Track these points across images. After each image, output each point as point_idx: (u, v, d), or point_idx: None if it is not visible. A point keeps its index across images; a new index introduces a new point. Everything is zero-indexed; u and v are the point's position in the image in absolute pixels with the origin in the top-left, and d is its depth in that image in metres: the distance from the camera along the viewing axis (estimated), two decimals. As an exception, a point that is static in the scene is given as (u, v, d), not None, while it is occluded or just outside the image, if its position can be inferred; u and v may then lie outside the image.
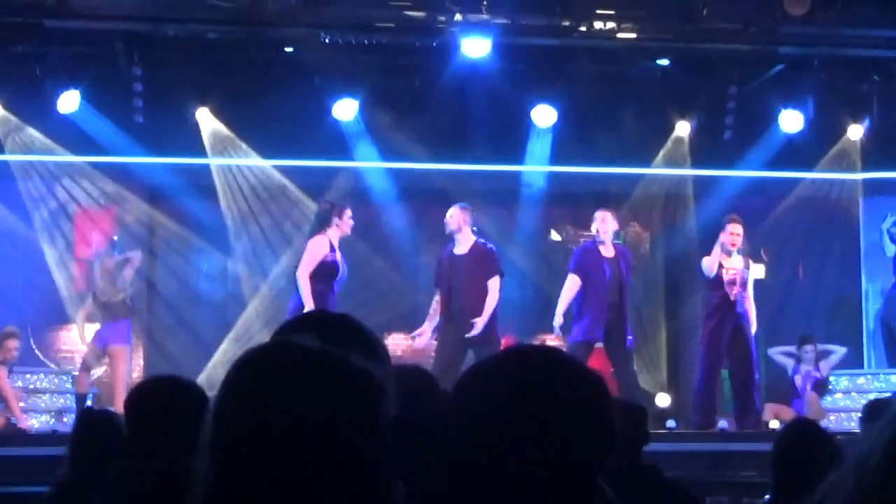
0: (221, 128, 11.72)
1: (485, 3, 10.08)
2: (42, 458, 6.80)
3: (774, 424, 9.76)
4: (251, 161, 12.04)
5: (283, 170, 12.12)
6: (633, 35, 10.61)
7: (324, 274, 9.29)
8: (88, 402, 10.06)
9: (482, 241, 9.89)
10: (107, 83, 11.15)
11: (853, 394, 11.01)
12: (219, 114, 11.61)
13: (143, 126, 11.36)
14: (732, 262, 9.87)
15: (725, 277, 9.82)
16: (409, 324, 10.21)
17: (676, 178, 12.52)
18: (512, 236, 12.24)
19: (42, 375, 11.02)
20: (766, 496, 4.29)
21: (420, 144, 11.74)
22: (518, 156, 12.06)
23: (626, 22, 10.47)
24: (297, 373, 1.43)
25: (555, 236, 11.94)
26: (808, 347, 10.87)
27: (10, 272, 11.61)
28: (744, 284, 9.88)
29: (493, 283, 9.62)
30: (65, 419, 10.20)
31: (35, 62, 10.91)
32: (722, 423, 10.00)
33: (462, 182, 11.66)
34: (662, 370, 12.74)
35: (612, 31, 10.49)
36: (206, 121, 11.64)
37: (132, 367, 10.90)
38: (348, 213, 9.61)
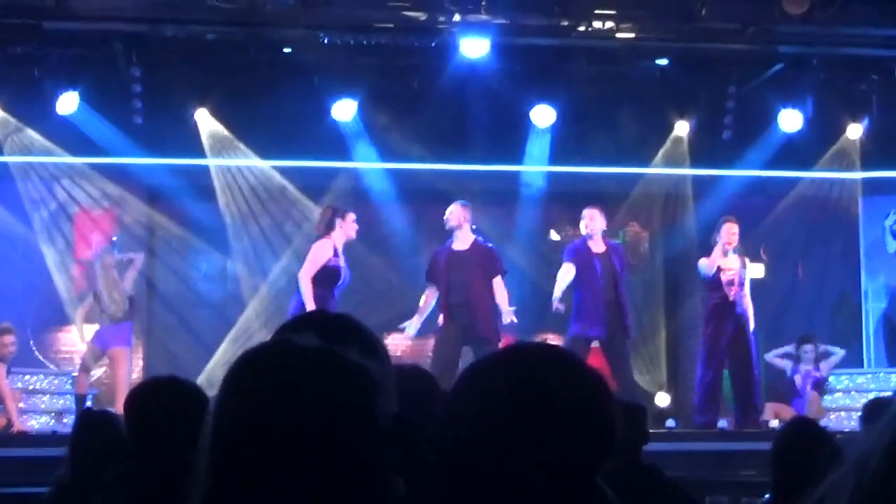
0: (220, 128, 11.72)
1: (483, 3, 10.07)
2: (42, 459, 6.80)
3: (774, 424, 9.77)
4: (250, 162, 12.04)
5: (282, 170, 12.12)
6: (632, 35, 10.61)
7: (326, 278, 9.30)
8: (88, 403, 10.07)
9: (481, 239, 9.92)
10: (106, 84, 11.15)
11: (853, 393, 11.02)
12: (218, 114, 11.61)
13: (142, 127, 11.37)
14: (730, 263, 9.88)
15: (724, 278, 9.83)
16: (420, 325, 10.21)
17: (676, 178, 12.52)
18: (511, 236, 12.25)
19: (42, 376, 11.02)
20: (766, 495, 4.29)
21: (419, 144, 11.74)
22: (517, 156, 12.07)
23: (625, 22, 10.47)
24: (296, 371, 1.43)
25: (554, 236, 11.94)
26: (808, 347, 10.88)
27: (9, 273, 11.60)
28: (742, 284, 9.89)
29: (499, 282, 9.70)
30: (64, 420, 10.19)
31: (34, 63, 10.91)
32: (721, 423, 10.00)
33: (461, 182, 11.66)
34: (662, 370, 12.74)
35: (611, 30, 10.49)
36: (205, 121, 11.64)
37: (132, 367, 10.90)
38: (352, 216, 9.63)
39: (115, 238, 11.28)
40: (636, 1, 10.43)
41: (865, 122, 12.04)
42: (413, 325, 9.90)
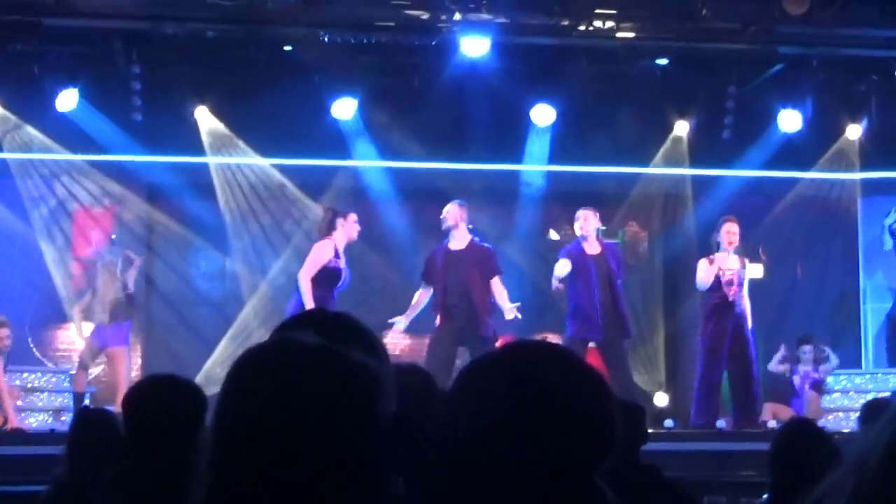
0: (220, 126, 11.72)
1: (484, 2, 10.07)
2: (40, 458, 6.79)
3: (772, 424, 9.77)
4: (250, 160, 12.03)
5: (282, 168, 12.11)
6: (633, 34, 10.61)
7: (325, 279, 9.30)
8: (86, 401, 10.06)
9: (477, 239, 9.91)
10: (105, 82, 11.14)
11: (851, 393, 11.02)
12: (217, 112, 11.60)
13: (141, 124, 11.36)
14: (730, 263, 9.88)
15: (723, 278, 9.82)
16: (408, 322, 10.21)
17: (675, 178, 12.51)
18: (510, 235, 12.25)
19: (40, 374, 11.01)
20: (764, 496, 4.29)
21: (419, 143, 11.74)
22: (517, 155, 12.06)
23: (626, 21, 10.47)
24: (298, 370, 1.43)
25: (553, 235, 11.92)
26: (807, 348, 10.89)
27: (8, 271, 11.60)
28: (741, 285, 9.89)
29: (497, 282, 9.69)
30: (63, 418, 10.18)
31: (34, 60, 10.89)
32: (720, 423, 10.00)
33: (461, 181, 11.66)
34: (661, 369, 12.74)
35: (611, 30, 10.49)
36: (205, 119, 11.63)
37: (131, 365, 10.90)
38: (353, 217, 9.63)
39: (114, 236, 11.28)
40: (636, 0, 10.43)
41: (865, 122, 12.03)
42: (402, 321, 9.90)
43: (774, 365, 11.01)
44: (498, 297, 9.67)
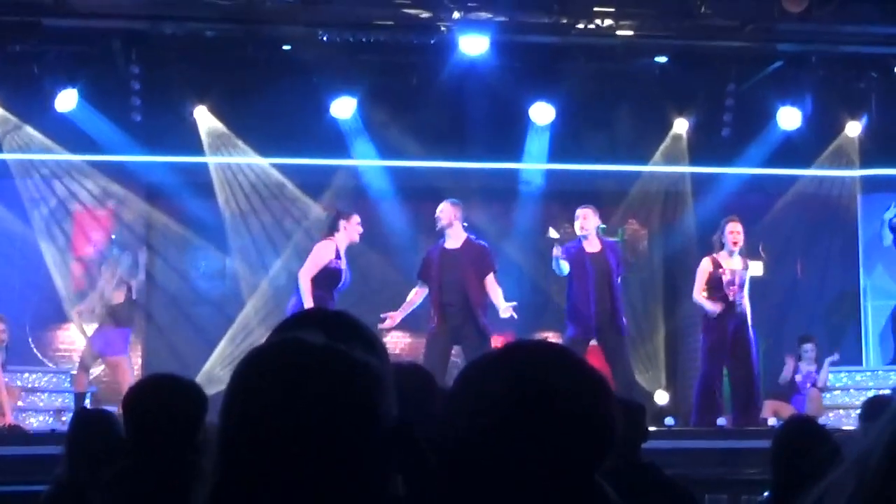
0: (219, 126, 11.72)
1: (483, 0, 10.07)
2: (40, 458, 6.80)
3: (773, 422, 9.77)
4: (249, 159, 12.03)
5: (281, 168, 12.11)
6: (632, 32, 10.61)
7: (326, 280, 9.28)
8: (87, 402, 10.05)
9: (473, 236, 9.88)
10: (104, 82, 11.14)
11: (852, 391, 11.03)
12: (216, 112, 11.60)
13: (140, 124, 11.35)
14: (732, 263, 9.87)
15: (724, 278, 9.82)
16: (407, 321, 10.21)
17: (675, 176, 12.50)
18: (509, 234, 12.24)
19: (40, 374, 11.02)
20: (766, 493, 4.29)
21: (418, 142, 11.73)
22: (516, 153, 12.06)
23: (625, 19, 10.46)
24: (303, 369, 1.43)
25: (552, 234, 11.89)
26: (808, 346, 10.89)
27: (8, 271, 11.60)
28: (742, 285, 9.88)
29: (491, 280, 9.64)
30: (63, 418, 10.17)
31: (33, 61, 10.89)
32: (721, 421, 10.00)
33: (460, 179, 11.66)
34: (661, 368, 12.73)
35: (610, 28, 10.48)
36: (204, 119, 11.63)
37: (133, 371, 10.87)
38: (356, 219, 9.60)
39: (113, 236, 11.27)
40: (636, -2, 10.44)
41: (864, 119, 12.03)
42: (394, 319, 9.86)
43: (783, 378, 10.96)
44: (492, 294, 9.58)
